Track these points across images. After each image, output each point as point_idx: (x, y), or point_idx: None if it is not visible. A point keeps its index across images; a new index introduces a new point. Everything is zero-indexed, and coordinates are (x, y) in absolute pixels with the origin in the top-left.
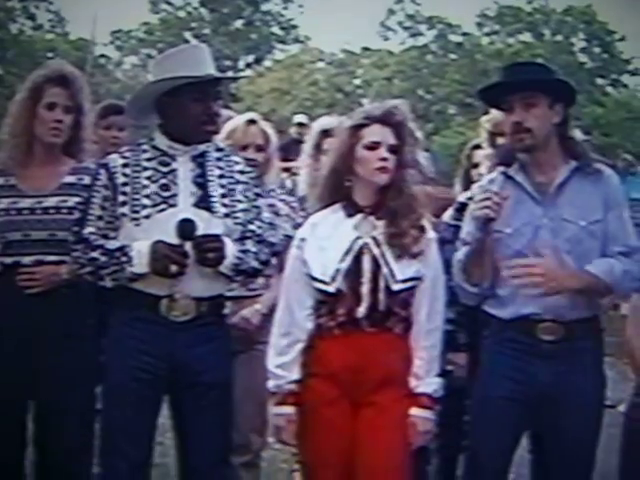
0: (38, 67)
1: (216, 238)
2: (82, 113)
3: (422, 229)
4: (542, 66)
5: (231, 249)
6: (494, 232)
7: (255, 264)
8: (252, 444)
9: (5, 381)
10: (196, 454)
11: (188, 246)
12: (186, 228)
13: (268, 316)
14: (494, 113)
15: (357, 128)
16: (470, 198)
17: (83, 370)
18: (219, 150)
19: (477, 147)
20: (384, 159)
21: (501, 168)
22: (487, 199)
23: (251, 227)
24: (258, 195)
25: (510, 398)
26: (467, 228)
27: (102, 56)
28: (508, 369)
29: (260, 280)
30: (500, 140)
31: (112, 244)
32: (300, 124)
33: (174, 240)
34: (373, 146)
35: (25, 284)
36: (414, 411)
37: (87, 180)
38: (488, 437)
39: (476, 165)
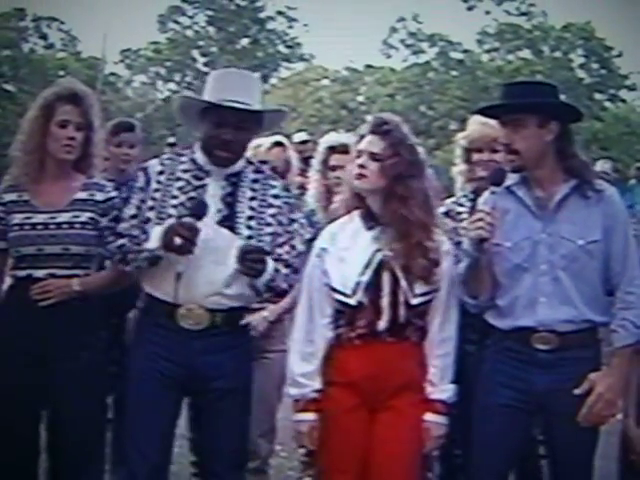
0: (50, 85)
1: (264, 252)
2: (92, 130)
3: (433, 260)
4: (536, 85)
5: (270, 266)
6: (494, 245)
7: (284, 286)
8: (260, 450)
9: (19, 391)
10: (211, 458)
11: (200, 224)
12: (198, 207)
13: (275, 323)
14: (469, 130)
15: (359, 139)
16: (445, 213)
17: (94, 380)
18: (258, 172)
19: None
20: (360, 166)
21: (493, 187)
22: (480, 220)
23: (279, 250)
24: (293, 221)
25: (509, 405)
26: (466, 243)
27: (112, 74)
28: (507, 377)
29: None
30: (476, 156)
31: (138, 231)
32: (302, 142)
33: (196, 251)
34: (357, 154)
35: (38, 297)
36: (428, 416)
37: (99, 196)
38: (488, 443)
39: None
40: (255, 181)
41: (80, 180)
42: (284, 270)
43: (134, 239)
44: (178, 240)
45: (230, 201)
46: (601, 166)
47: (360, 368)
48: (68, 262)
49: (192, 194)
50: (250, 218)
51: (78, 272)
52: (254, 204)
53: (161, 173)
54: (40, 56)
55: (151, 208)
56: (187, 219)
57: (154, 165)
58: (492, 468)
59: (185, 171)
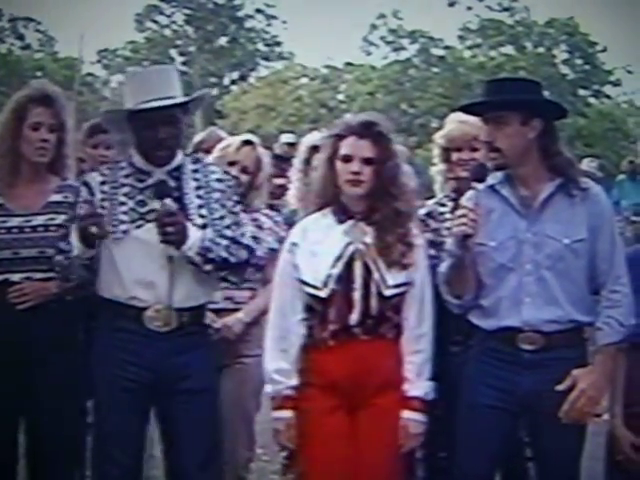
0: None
1: (175, 216)
2: (65, 130)
3: (409, 244)
4: (518, 81)
5: (195, 233)
6: (478, 245)
7: (225, 254)
8: (239, 457)
9: None
10: (181, 458)
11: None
12: (162, 188)
13: (251, 326)
14: (448, 129)
15: (336, 139)
16: (428, 214)
17: (73, 383)
18: (196, 162)
19: None
20: (355, 172)
21: (475, 184)
22: (463, 216)
23: (226, 232)
24: (237, 203)
25: (494, 406)
26: (449, 242)
27: (89, 75)
28: (492, 378)
29: (244, 293)
30: (455, 155)
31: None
32: (289, 144)
33: (155, 253)
34: (346, 159)
35: (16, 300)
36: (406, 414)
37: (72, 198)
38: (473, 444)
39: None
40: (195, 171)
41: (54, 182)
42: (225, 242)
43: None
44: (93, 229)
45: (177, 195)
46: (587, 165)
47: (338, 369)
48: (44, 265)
49: (139, 197)
50: (200, 207)
51: (54, 275)
52: (201, 192)
53: (103, 183)
54: (17, 57)
55: None
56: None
57: (94, 177)
58: (476, 470)
59: (127, 176)
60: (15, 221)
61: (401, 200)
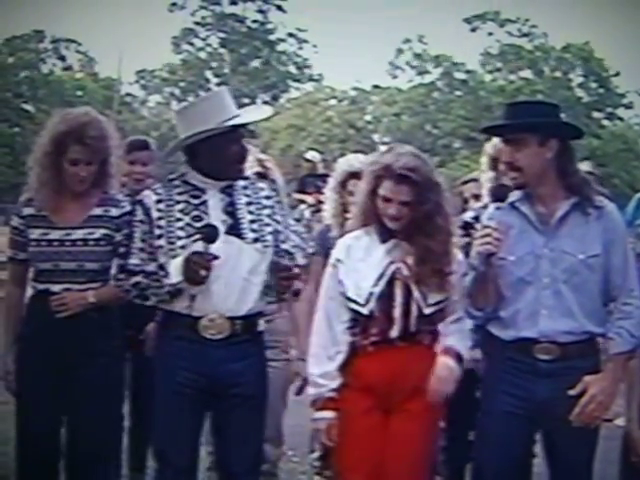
0: (67, 105)
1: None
2: (108, 153)
3: (445, 275)
4: (536, 104)
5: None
6: (499, 259)
7: (299, 285)
8: (268, 455)
9: (41, 396)
10: (229, 461)
11: (214, 248)
12: (209, 232)
13: (280, 334)
14: (496, 140)
15: (377, 177)
16: (475, 217)
17: (109, 387)
18: (244, 179)
19: (465, 182)
20: (394, 213)
21: (496, 204)
22: (487, 235)
23: (284, 246)
24: (284, 215)
25: (511, 413)
26: (474, 256)
27: (128, 94)
28: (509, 386)
29: (272, 306)
30: (502, 166)
31: (152, 266)
32: (308, 160)
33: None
34: (386, 199)
35: (56, 309)
36: (442, 358)
37: (114, 211)
38: (492, 449)
39: (466, 199)
40: (245, 187)
41: (97, 196)
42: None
43: (151, 275)
44: (204, 272)
45: (231, 210)
46: (585, 167)
47: (375, 373)
48: (82, 277)
49: (195, 213)
50: (252, 222)
51: (93, 286)
52: (252, 208)
53: (159, 202)
54: (58, 77)
55: (159, 236)
56: (200, 249)
57: (149, 195)
58: (496, 471)
59: (181, 193)
60: (56, 234)
61: (435, 240)
